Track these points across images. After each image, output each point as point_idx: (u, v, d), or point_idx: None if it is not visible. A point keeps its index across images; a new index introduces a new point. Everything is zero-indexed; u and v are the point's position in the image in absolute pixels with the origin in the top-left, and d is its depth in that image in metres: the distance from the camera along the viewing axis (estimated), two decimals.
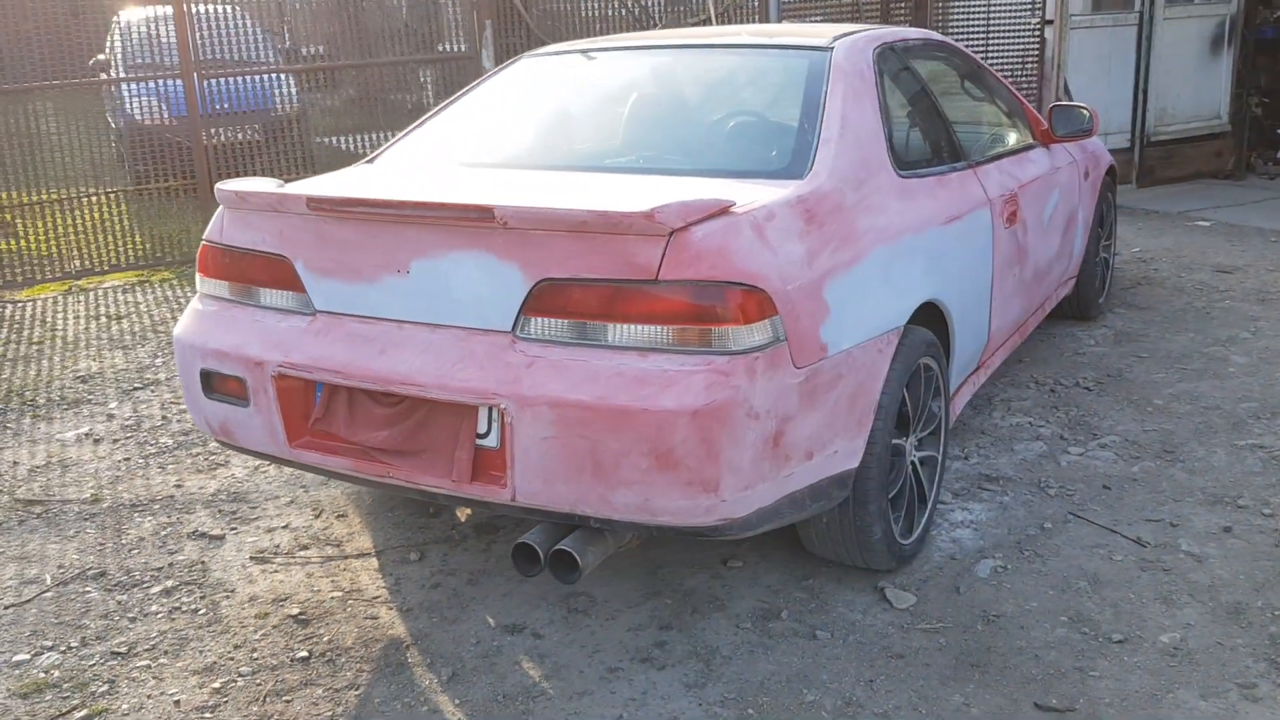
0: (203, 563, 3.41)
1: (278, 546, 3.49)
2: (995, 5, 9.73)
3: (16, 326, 6.39)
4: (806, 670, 2.75)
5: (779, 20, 8.61)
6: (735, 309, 2.45)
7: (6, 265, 7.43)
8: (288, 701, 2.71)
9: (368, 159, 3.59)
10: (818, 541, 3.08)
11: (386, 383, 2.68)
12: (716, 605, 3.05)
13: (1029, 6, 9.07)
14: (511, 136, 3.48)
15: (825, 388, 2.66)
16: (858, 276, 2.81)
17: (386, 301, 2.76)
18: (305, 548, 3.48)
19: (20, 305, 6.94)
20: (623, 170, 3.09)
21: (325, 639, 2.96)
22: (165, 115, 8.48)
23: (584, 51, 3.81)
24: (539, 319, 2.58)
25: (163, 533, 3.62)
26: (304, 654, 2.89)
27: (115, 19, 9.35)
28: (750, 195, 2.74)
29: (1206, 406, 4.31)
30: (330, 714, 2.65)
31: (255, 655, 2.90)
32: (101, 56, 8.81)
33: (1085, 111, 4.40)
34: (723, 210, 2.55)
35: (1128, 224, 7.57)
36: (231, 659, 2.89)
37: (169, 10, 8.41)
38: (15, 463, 4.27)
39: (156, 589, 3.26)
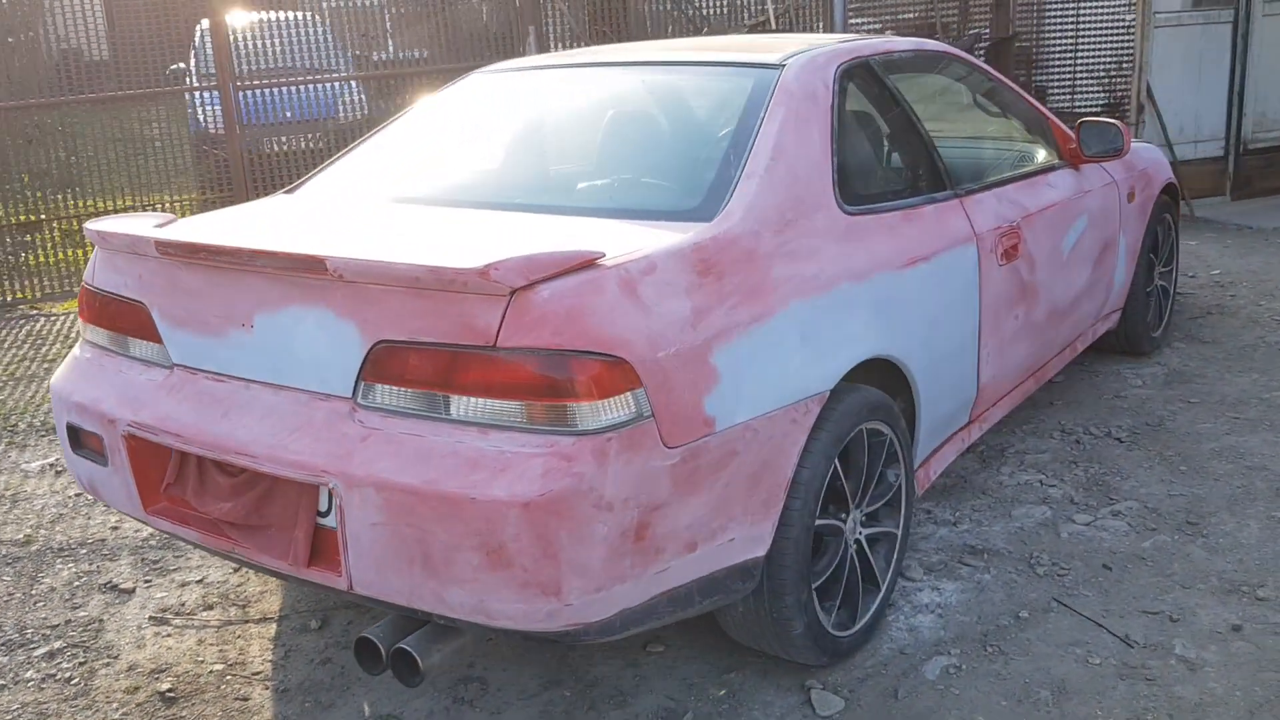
0: (100, 621, 3.19)
1: (182, 605, 3.25)
2: (1085, 2, 9.09)
3: (39, 342, 6.36)
4: None
5: (844, 22, 8.14)
6: (585, 382, 2.10)
7: (54, 277, 7.48)
8: None
9: (287, 188, 3.33)
10: (736, 630, 2.70)
11: (223, 451, 2.40)
12: (618, 701, 2.70)
13: (1125, 3, 8.41)
14: (430, 165, 3.17)
15: (712, 468, 2.29)
16: (764, 336, 2.42)
17: (234, 358, 2.48)
18: (210, 608, 3.23)
19: (54, 319, 6.94)
20: (527, 208, 2.76)
21: None
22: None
23: (534, 69, 3.48)
24: (380, 385, 2.26)
25: (76, 583, 3.43)
26: None
27: (199, 26, 9.35)
28: (639, 242, 2.37)
29: (1251, 466, 3.76)
30: None
31: None
32: (181, 65, 8.85)
33: (1116, 127, 3.88)
34: (585, 263, 2.19)
35: (1213, 241, 6.90)
36: None
37: (249, 17, 8.43)
38: None
39: (41, 651, 3.05)
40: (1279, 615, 2.89)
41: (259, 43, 8.01)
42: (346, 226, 2.72)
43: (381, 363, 2.24)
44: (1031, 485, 3.70)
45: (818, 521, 2.61)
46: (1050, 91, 10.05)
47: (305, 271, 2.27)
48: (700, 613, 2.44)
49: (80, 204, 8.16)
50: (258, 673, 2.90)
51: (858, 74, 3.16)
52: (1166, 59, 7.15)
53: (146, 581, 3.41)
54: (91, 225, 2.74)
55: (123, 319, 2.73)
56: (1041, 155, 3.94)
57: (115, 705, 2.79)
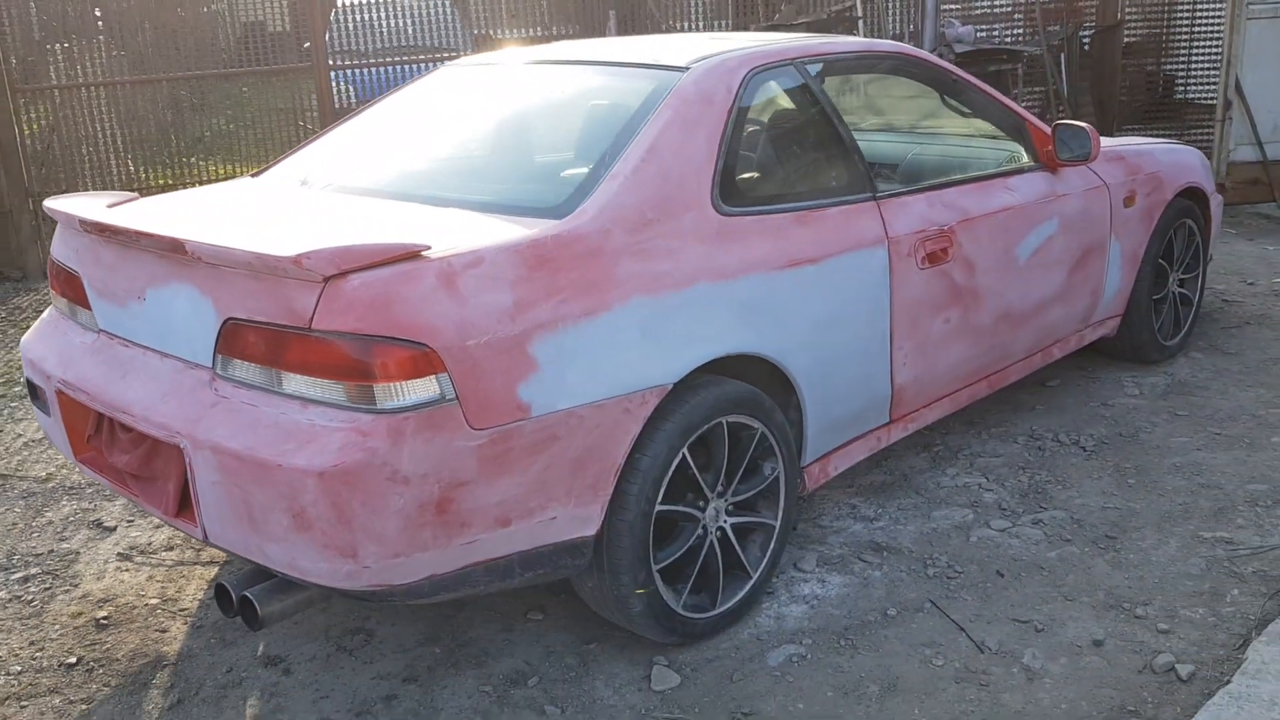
0: (77, 554, 3.58)
1: (149, 544, 3.61)
2: None
3: None
4: None
5: (936, 10, 8.00)
6: (386, 365, 2.30)
7: None
8: (23, 706, 2.81)
9: (254, 172, 3.63)
10: (591, 603, 2.86)
11: (113, 409, 2.71)
12: (479, 661, 2.90)
13: None
14: (366, 155, 3.40)
15: (526, 450, 2.46)
16: (595, 329, 2.56)
17: (135, 326, 2.78)
18: (171, 549, 3.58)
19: None
20: (420, 200, 2.95)
21: (105, 647, 3.05)
22: (353, 100, 9.01)
23: (484, 65, 3.67)
24: (232, 359, 2.52)
25: (73, 518, 3.83)
26: (73, 660, 2.99)
27: (336, 5, 9.88)
28: (483, 235, 2.55)
29: (1205, 484, 3.67)
30: None
31: (37, 655, 3.03)
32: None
33: (1084, 132, 3.81)
34: (405, 255, 2.39)
35: None
36: (17, 655, 3.03)
37: None
38: (19, 435, 4.65)
39: (19, 575, 3.45)
40: (1148, 634, 2.87)
41: (389, 22, 8.50)
42: (252, 212, 2.98)
43: (231, 338, 2.50)
44: (969, 488, 3.71)
45: (666, 507, 2.75)
46: (1177, 81, 9.65)
47: (173, 251, 2.54)
48: (528, 584, 2.61)
49: (221, 170, 8.83)
50: (184, 609, 3.22)
51: (776, 76, 3.23)
52: (1260, 53, 6.80)
53: (129, 521, 3.78)
54: (48, 202, 3.07)
55: (70, 288, 3.06)
56: (1008, 158, 3.90)
57: (57, 627, 3.16)
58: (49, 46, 8.34)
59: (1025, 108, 8.41)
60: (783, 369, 2.99)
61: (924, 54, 3.76)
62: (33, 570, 3.48)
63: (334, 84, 8.93)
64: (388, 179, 3.16)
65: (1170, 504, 3.55)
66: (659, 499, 2.71)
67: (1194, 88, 8.77)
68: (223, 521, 2.48)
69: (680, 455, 2.74)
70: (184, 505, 2.62)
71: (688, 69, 3.07)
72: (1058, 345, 4.18)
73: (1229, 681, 2.61)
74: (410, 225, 2.71)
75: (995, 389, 3.92)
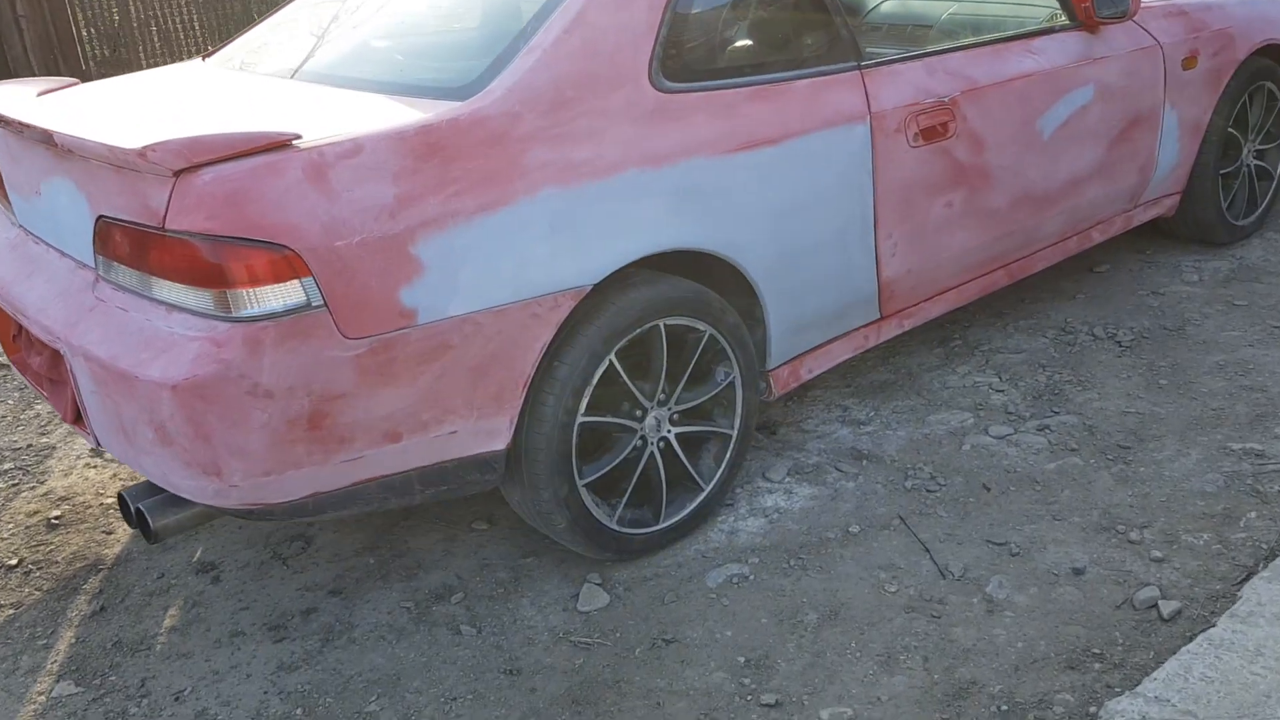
0: (53, 448, 3.55)
1: None
2: None
3: None
4: (407, 672, 2.42)
5: None
6: (241, 269, 2.10)
7: None
8: None
9: (204, 54, 3.42)
10: (521, 514, 2.68)
11: (16, 311, 2.59)
12: (409, 574, 2.76)
13: None
14: (310, 34, 3.15)
15: (414, 360, 2.25)
16: (494, 225, 2.31)
17: (39, 222, 2.65)
18: None
19: None
20: (337, 83, 2.72)
21: (49, 548, 3.00)
22: None
23: None
24: (110, 260, 2.35)
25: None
26: (14, 562, 2.95)
27: None
28: (370, 121, 2.31)
29: (1248, 385, 3.26)
30: None
31: None
32: None
33: None
34: (268, 146, 2.16)
35: None
36: None
37: None
38: None
39: None
40: (1138, 563, 2.55)
41: None
42: (160, 99, 2.78)
43: (104, 237, 2.33)
44: (977, 389, 3.38)
45: (592, 418, 2.52)
46: None
47: (46, 144, 2.37)
48: (435, 499, 2.44)
49: None
50: None
51: None
52: None
53: None
54: None
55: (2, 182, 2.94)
56: (1038, 17, 3.44)
57: (11, 526, 3.13)
58: None
59: None
60: (736, 265, 2.70)
61: None
62: (6, 465, 3.46)
63: None
64: (315, 61, 2.91)
65: (1202, 409, 3.16)
66: (581, 410, 2.49)
67: None
68: (105, 431, 2.36)
69: (606, 362, 2.50)
70: (81, 412, 2.51)
71: None
72: (1098, 228, 3.75)
73: (1213, 625, 2.30)
74: (305, 109, 2.48)
75: (1017, 279, 3.54)
